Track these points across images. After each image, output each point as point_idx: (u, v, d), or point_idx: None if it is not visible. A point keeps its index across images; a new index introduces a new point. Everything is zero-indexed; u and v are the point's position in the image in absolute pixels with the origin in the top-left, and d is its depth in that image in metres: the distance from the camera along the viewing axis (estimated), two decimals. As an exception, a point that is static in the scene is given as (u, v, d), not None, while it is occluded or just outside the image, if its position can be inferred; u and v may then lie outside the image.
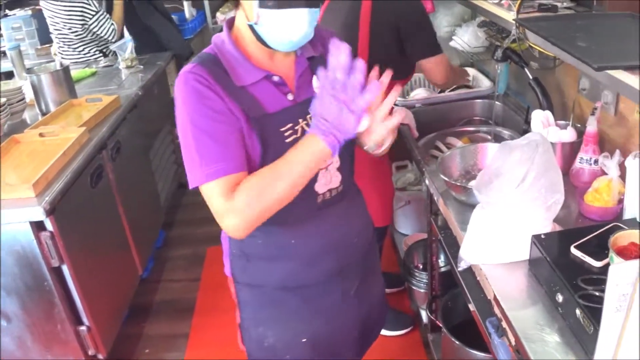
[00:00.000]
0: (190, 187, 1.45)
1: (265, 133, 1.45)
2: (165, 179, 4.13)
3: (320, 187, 1.59)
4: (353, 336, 1.82)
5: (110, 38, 4.23)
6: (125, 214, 3.16)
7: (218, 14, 5.06)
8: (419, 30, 2.40)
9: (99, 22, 4.16)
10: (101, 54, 4.35)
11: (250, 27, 1.43)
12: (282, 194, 1.38)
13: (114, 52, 4.19)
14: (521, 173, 1.56)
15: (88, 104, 3.27)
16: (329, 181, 1.60)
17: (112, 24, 4.21)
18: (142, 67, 4.12)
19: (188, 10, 5.24)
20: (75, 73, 3.79)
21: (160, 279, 3.75)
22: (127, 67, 4.08)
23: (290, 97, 1.51)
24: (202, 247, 4.00)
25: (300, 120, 1.51)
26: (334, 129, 1.32)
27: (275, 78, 1.49)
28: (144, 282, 3.57)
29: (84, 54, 4.33)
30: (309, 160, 1.36)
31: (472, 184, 1.88)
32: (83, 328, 2.58)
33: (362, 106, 1.30)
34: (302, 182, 1.40)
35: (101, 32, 4.19)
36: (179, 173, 4.57)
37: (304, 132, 1.49)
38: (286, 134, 1.48)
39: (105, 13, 4.19)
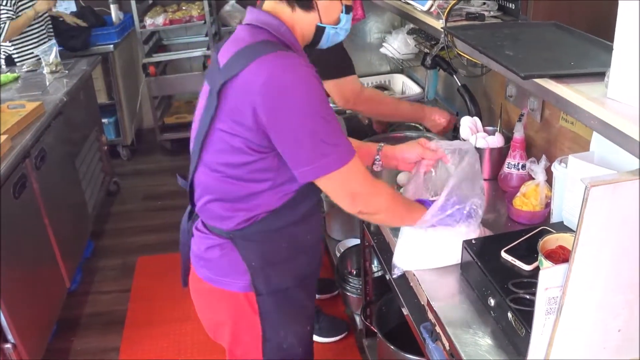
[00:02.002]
0: (319, 175, 1.42)
1: None
2: (93, 187, 4.01)
3: None
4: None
5: None
6: (51, 224, 3.05)
7: (146, 18, 4.96)
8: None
9: None
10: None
11: (320, 28, 1.54)
12: (392, 222, 1.69)
13: (38, 56, 4.05)
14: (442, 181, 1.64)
15: (10, 111, 3.12)
16: None
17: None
18: (67, 72, 3.99)
19: (115, 14, 5.12)
20: (-5, 78, 3.65)
21: (89, 290, 3.63)
22: (52, 72, 3.94)
23: None
24: (133, 257, 3.90)
25: None
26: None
27: None
28: (72, 295, 3.46)
29: None
30: (411, 221, 1.61)
31: (402, 190, 1.90)
32: (8, 346, 2.48)
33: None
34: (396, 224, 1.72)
35: None
36: (107, 181, 4.46)
37: None
38: None
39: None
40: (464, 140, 2.12)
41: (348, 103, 2.45)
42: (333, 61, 2.30)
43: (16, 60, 4.20)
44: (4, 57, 4.22)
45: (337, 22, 1.55)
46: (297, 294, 1.69)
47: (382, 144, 1.82)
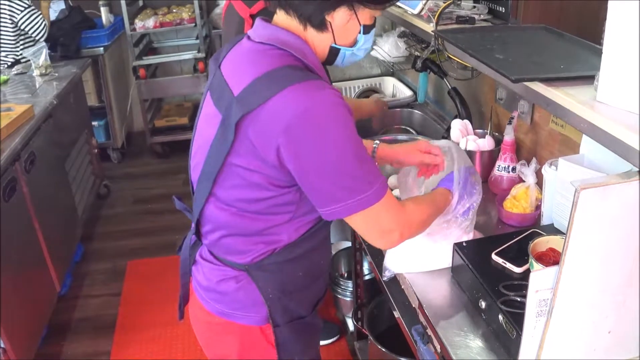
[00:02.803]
0: (347, 214, 1.32)
1: None
2: (82, 190, 4.00)
3: None
4: None
5: (39, 37, 4.10)
6: (41, 228, 3.04)
7: (137, 21, 4.95)
8: None
9: (29, 18, 4.02)
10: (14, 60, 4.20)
11: (334, 49, 1.42)
12: (426, 227, 1.51)
13: (28, 59, 4.04)
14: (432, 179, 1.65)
15: (-1, 114, 3.12)
16: None
17: (44, 20, 4.08)
18: (57, 74, 3.97)
19: (105, 16, 5.10)
20: (-16, 81, 3.64)
21: (79, 294, 3.61)
22: (41, 75, 3.93)
23: None
24: (123, 260, 3.89)
25: None
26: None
27: None
28: (62, 299, 3.45)
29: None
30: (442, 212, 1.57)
31: (395, 192, 1.91)
32: (-3, 350, 2.46)
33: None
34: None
35: (31, 29, 4.05)
36: (97, 184, 4.45)
37: None
38: None
39: (35, 8, 4.06)
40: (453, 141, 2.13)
41: None
42: None
43: None
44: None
45: (354, 43, 1.42)
46: (312, 319, 1.63)
47: (378, 142, 1.76)
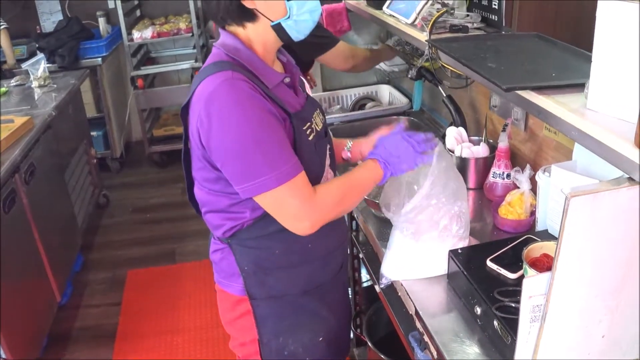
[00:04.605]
0: (252, 195, 1.43)
1: (298, 131, 1.51)
2: (82, 200, 4.01)
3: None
4: (347, 322, 1.94)
5: None
6: (41, 238, 3.06)
7: (134, 31, 4.97)
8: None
9: None
10: None
11: (276, 26, 1.50)
12: (351, 205, 1.58)
13: (26, 70, 4.06)
14: (420, 184, 1.64)
15: (-1, 126, 3.14)
16: (327, 179, 1.65)
17: None
18: (55, 86, 4.00)
19: (103, 27, 5.13)
20: (-16, 93, 3.66)
21: (80, 304, 3.62)
22: (40, 87, 3.95)
23: (297, 97, 1.60)
24: (123, 270, 3.90)
25: (312, 119, 1.59)
26: (395, 166, 1.57)
27: (287, 80, 1.58)
28: (62, 309, 3.45)
29: None
30: (371, 182, 1.58)
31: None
32: (-2, 360, 2.47)
33: (421, 162, 1.59)
34: (361, 199, 1.62)
35: None
36: (96, 194, 4.46)
37: (316, 130, 1.59)
38: (307, 132, 1.55)
39: None
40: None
41: (347, 64, 2.68)
42: (315, 40, 2.42)
43: None
44: None
45: (286, 12, 1.48)
46: (303, 301, 1.69)
47: (350, 144, 1.84)
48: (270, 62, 1.57)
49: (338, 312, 1.82)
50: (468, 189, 2.10)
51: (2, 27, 4.29)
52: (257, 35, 1.52)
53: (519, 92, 1.48)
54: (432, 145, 1.62)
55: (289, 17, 1.49)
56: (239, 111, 1.38)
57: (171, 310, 3.43)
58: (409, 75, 2.55)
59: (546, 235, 1.67)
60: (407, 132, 1.64)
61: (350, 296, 2.84)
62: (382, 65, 3.12)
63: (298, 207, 1.44)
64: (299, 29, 1.52)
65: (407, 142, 1.60)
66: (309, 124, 1.56)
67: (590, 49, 1.27)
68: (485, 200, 2.05)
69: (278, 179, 1.39)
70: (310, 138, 1.55)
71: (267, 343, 1.71)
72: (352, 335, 2.83)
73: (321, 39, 2.53)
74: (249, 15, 1.48)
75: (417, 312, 1.57)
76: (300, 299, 1.69)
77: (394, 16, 2.35)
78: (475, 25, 2.06)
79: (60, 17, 5.27)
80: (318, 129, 1.61)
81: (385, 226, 1.92)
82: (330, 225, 1.62)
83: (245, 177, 1.41)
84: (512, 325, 1.30)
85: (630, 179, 1.14)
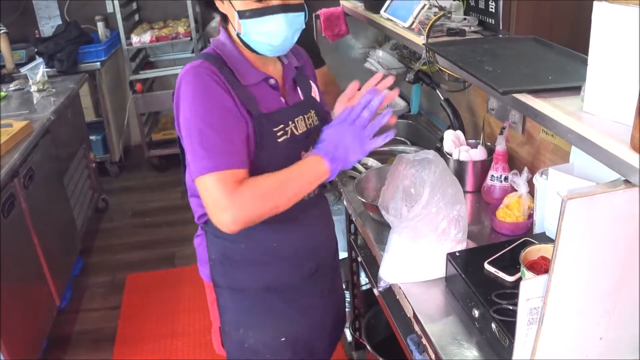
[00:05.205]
0: (193, 177, 1.48)
1: (262, 131, 1.52)
2: (81, 204, 4.01)
3: None
4: (328, 331, 1.91)
5: None
6: (40, 243, 3.06)
7: (133, 35, 4.98)
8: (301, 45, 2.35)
9: None
10: None
11: (238, 36, 1.54)
12: (282, 203, 1.48)
13: (25, 74, 4.06)
14: (418, 190, 1.65)
15: (-2, 130, 3.14)
16: None
17: None
18: (54, 90, 3.99)
19: (102, 31, 5.14)
20: (-18, 98, 3.66)
21: (79, 308, 3.62)
22: (39, 91, 3.95)
23: (282, 99, 1.61)
24: (122, 273, 3.90)
25: (290, 122, 1.59)
26: (343, 158, 1.48)
27: (272, 81, 1.60)
28: (61, 312, 3.45)
29: None
30: (312, 178, 1.50)
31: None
32: (-2, 364, 2.47)
33: (370, 148, 1.47)
34: (300, 195, 1.51)
35: None
36: (95, 198, 4.46)
37: (292, 133, 1.58)
38: (278, 133, 1.55)
39: None
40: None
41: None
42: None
43: None
44: None
45: (240, 27, 1.51)
46: (265, 298, 1.72)
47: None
48: (257, 62, 1.59)
49: (311, 317, 1.81)
50: (466, 192, 2.11)
51: (1, 31, 4.30)
52: (233, 35, 1.58)
53: (516, 95, 1.48)
54: (381, 120, 1.49)
55: (240, 34, 1.53)
56: (194, 98, 1.46)
57: (171, 314, 3.42)
58: (407, 79, 2.55)
59: (544, 238, 1.68)
60: (353, 114, 1.49)
61: (348, 300, 2.85)
62: (380, 69, 3.12)
63: (220, 198, 1.42)
64: (259, 47, 1.54)
65: (352, 131, 1.47)
66: (282, 126, 1.57)
67: (586, 51, 1.28)
68: (483, 203, 2.05)
69: (210, 167, 1.43)
70: (280, 140, 1.56)
71: (229, 332, 1.77)
72: (350, 339, 2.84)
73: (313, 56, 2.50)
74: (225, 18, 1.57)
75: (415, 315, 1.57)
76: (262, 295, 1.72)
77: (391, 20, 2.36)
78: (472, 28, 2.07)
79: (59, 21, 5.28)
80: (296, 133, 1.59)
81: (383, 229, 1.93)
82: (299, 227, 1.68)
83: (192, 159, 1.47)
84: (509, 327, 1.31)
85: (627, 182, 1.14)
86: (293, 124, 1.60)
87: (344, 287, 2.09)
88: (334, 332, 1.96)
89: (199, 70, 1.48)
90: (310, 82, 1.74)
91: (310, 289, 1.79)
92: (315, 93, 1.74)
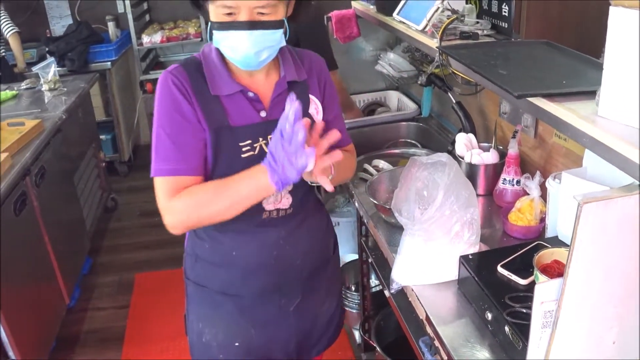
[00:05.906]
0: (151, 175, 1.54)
1: (221, 145, 1.53)
2: (90, 203, 4.04)
3: (268, 205, 1.63)
4: (288, 350, 1.84)
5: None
6: (51, 241, 3.08)
7: (144, 35, 5.01)
8: (315, 48, 2.35)
9: None
10: None
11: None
12: (219, 211, 1.49)
13: (37, 73, 4.09)
14: (430, 193, 1.65)
15: (10, 129, 3.15)
16: (278, 201, 1.65)
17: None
18: (65, 89, 4.02)
19: (112, 31, 5.17)
20: (-5, 96, 3.69)
21: (88, 307, 3.64)
22: (50, 90, 3.98)
23: (263, 114, 1.57)
24: (131, 273, 3.92)
25: (261, 138, 1.56)
26: (281, 171, 1.37)
27: (250, 94, 1.56)
28: (70, 311, 3.47)
29: None
30: (253, 190, 1.45)
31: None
32: (8, 362, 2.49)
33: (301, 163, 1.35)
34: (241, 207, 1.48)
35: None
36: (104, 197, 4.48)
37: (261, 150, 1.55)
38: (244, 149, 1.55)
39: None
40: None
41: None
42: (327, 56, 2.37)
43: None
44: None
45: (213, 37, 1.51)
46: (221, 300, 1.74)
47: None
48: (241, 72, 1.56)
49: (267, 331, 1.78)
50: (478, 195, 2.11)
51: (13, 31, 4.33)
52: None
53: (530, 99, 1.49)
54: (301, 142, 1.33)
55: (214, 44, 1.52)
56: (159, 103, 1.53)
57: (179, 313, 3.42)
58: (419, 82, 2.56)
59: (556, 242, 1.68)
60: (279, 125, 1.37)
61: (357, 302, 2.85)
62: (391, 72, 3.13)
63: (160, 202, 1.52)
64: (229, 59, 1.53)
65: (281, 143, 1.36)
66: (250, 141, 1.54)
67: (594, 52, 1.28)
68: (495, 207, 2.05)
69: (157, 170, 1.52)
70: (245, 156, 1.54)
71: (191, 323, 1.82)
72: (359, 340, 2.85)
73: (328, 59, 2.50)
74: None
75: (427, 317, 1.57)
76: (220, 297, 1.74)
77: (404, 23, 2.36)
78: (485, 32, 2.07)
79: (70, 21, 5.31)
80: (265, 150, 1.50)
81: (395, 231, 1.93)
82: (256, 242, 1.67)
83: (152, 158, 1.54)
84: (523, 330, 1.31)
85: (642, 186, 1.14)
86: (264, 141, 1.55)
87: (336, 313, 1.96)
88: (296, 355, 1.87)
89: (167, 76, 1.53)
90: (311, 97, 1.66)
91: (266, 303, 1.75)
92: (315, 110, 1.67)
